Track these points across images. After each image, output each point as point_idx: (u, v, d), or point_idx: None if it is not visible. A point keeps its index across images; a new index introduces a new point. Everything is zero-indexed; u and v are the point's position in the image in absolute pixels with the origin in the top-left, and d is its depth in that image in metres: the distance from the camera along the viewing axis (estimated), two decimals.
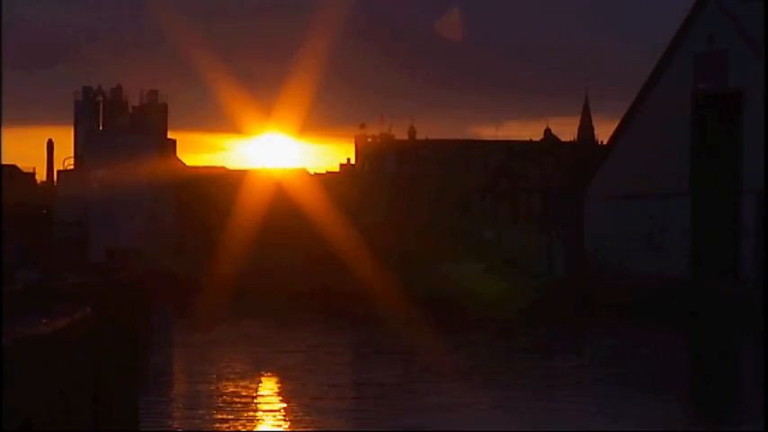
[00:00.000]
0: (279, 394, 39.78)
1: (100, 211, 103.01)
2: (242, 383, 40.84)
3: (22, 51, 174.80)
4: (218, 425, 32.49)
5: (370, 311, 70.27)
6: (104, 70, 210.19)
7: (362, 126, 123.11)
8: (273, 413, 35.23)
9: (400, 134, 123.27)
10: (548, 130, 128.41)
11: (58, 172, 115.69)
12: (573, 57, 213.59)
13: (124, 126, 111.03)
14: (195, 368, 45.93)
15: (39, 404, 15.26)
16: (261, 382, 42.25)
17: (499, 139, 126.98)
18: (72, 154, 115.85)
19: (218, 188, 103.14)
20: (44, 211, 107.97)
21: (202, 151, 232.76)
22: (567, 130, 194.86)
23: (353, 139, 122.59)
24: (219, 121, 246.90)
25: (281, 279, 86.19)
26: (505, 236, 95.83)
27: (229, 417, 33.67)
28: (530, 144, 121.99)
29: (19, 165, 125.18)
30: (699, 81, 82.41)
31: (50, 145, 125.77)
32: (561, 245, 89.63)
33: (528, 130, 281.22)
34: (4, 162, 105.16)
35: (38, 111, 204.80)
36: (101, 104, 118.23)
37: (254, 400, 37.35)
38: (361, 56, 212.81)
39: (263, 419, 34.03)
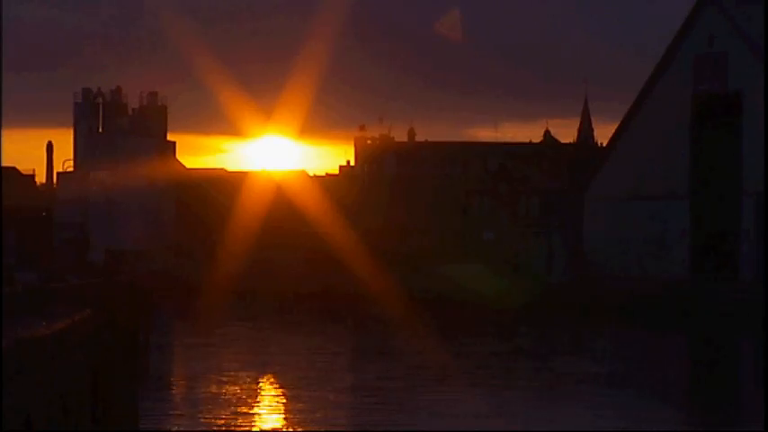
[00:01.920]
0: (278, 395, 39.79)
1: (100, 212, 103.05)
2: (242, 384, 40.85)
3: (22, 53, 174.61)
4: (218, 425, 32.50)
5: (370, 313, 70.28)
6: (104, 72, 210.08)
7: (362, 128, 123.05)
8: (273, 413, 35.24)
9: (399, 136, 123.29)
10: (547, 132, 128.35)
11: (58, 174, 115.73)
12: (572, 58, 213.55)
13: (124, 128, 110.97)
14: (195, 369, 45.93)
15: (39, 405, 15.27)
16: (260, 382, 42.25)
17: (498, 140, 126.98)
18: (72, 156, 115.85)
19: (217, 190, 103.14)
20: (44, 213, 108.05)
21: (202, 153, 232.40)
22: (566, 132, 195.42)
23: (353, 141, 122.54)
24: (219, 123, 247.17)
25: (280, 281, 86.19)
26: (505, 237, 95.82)
27: (229, 417, 33.68)
28: (529, 146, 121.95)
29: (18, 166, 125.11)
30: (699, 82, 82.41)
31: (50, 147, 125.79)
32: (561, 246, 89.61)
33: (527, 132, 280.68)
34: (3, 164, 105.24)
35: (37, 113, 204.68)
36: (100, 106, 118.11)
37: (254, 401, 37.36)
38: (361, 58, 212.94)
39: (262, 420, 34.03)
